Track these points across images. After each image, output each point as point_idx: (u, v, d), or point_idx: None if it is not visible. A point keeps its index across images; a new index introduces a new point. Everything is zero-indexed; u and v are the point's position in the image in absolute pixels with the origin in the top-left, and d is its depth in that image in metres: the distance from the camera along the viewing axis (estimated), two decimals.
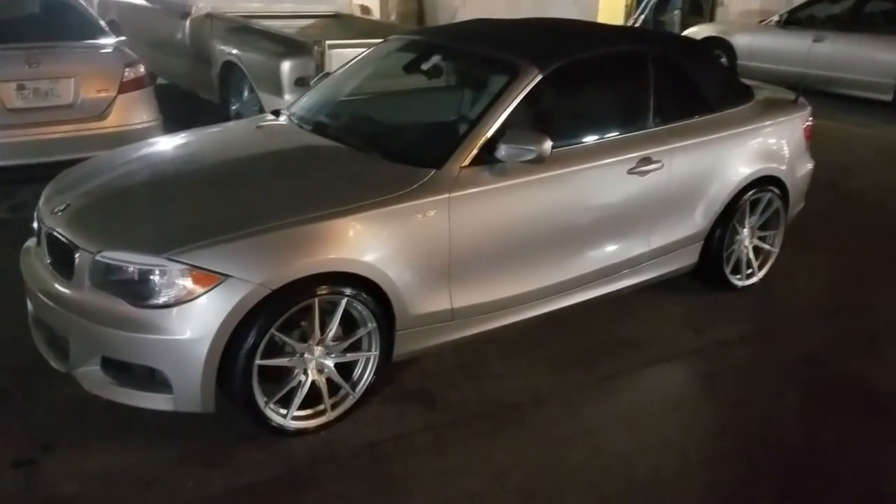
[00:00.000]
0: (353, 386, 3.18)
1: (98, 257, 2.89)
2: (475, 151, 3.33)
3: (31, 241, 3.42)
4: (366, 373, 3.20)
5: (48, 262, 3.16)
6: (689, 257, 4.25)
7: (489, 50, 3.94)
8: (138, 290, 2.84)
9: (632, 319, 4.09)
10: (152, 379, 2.89)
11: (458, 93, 4.28)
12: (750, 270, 4.51)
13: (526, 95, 3.50)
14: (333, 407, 3.13)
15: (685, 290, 4.38)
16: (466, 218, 3.28)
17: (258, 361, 2.89)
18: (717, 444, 3.21)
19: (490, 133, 3.35)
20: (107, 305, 2.87)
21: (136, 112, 5.63)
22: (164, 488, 2.79)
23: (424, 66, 4.17)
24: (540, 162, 3.31)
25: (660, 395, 3.54)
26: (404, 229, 3.16)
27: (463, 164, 3.30)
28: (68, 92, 5.34)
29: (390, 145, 3.55)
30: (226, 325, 2.79)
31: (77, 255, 2.96)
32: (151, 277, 2.83)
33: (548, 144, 3.27)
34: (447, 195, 3.22)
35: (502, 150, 3.30)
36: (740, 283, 4.47)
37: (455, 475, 2.90)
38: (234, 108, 7.16)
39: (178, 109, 7.01)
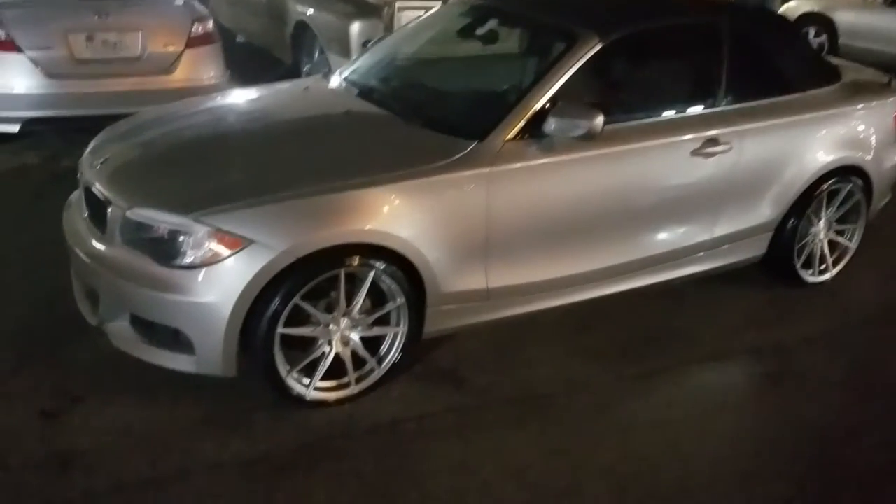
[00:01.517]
0: (379, 361, 3.09)
1: (129, 214, 2.87)
2: (522, 124, 3.14)
3: (76, 194, 3.44)
4: (392, 348, 3.10)
5: (85, 215, 3.17)
6: (757, 248, 3.96)
7: (548, 16, 3.72)
8: (166, 250, 2.81)
9: (685, 311, 3.85)
10: (176, 339, 2.86)
11: (512, 61, 4.08)
12: (823, 266, 4.18)
13: (582, 66, 3.28)
14: (358, 381, 3.05)
15: (749, 282, 4.09)
16: (507, 195, 3.12)
17: (280, 330, 2.83)
18: (761, 459, 2.95)
19: (540, 105, 3.16)
20: (135, 263, 2.86)
21: (202, 68, 5.63)
22: (180, 449, 2.78)
23: (480, 32, 3.99)
24: (590, 138, 3.10)
25: (704, 398, 3.30)
26: (440, 203, 3.02)
27: (507, 137, 3.13)
28: (136, 45, 5.38)
29: (433, 113, 3.40)
30: (249, 291, 2.73)
31: (109, 211, 2.95)
32: (179, 237, 2.79)
33: (599, 119, 3.05)
34: (488, 169, 3.06)
35: (551, 124, 3.11)
36: (811, 279, 4.15)
37: (473, 464, 2.78)
38: (305, 68, 7.11)
39: (251, 68, 7.03)
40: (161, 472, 2.67)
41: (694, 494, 2.73)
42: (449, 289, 3.10)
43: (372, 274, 2.93)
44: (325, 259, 2.84)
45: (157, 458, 2.73)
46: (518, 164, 3.12)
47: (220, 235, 2.75)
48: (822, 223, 4.08)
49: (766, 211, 3.86)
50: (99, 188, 3.06)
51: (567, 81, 3.22)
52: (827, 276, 4.19)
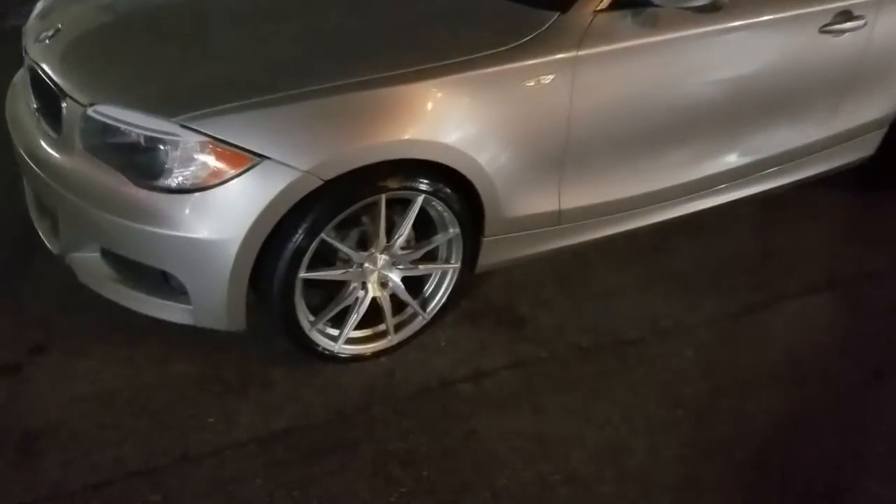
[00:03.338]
0: (424, 304, 2.44)
1: (90, 112, 2.10)
2: None
3: (21, 75, 2.62)
4: (441, 289, 2.44)
5: (34, 107, 2.38)
6: (866, 148, 3.25)
7: None
8: (143, 165, 2.06)
9: (784, 228, 3.18)
10: (165, 281, 2.19)
11: None
12: None
13: None
14: (397, 329, 2.41)
15: (856, 188, 3.42)
16: (596, 86, 2.35)
17: (303, 274, 2.16)
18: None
19: None
20: (102, 180, 2.11)
21: None
22: (175, 424, 2.16)
23: None
24: (715, 9, 2.31)
25: (816, 339, 2.69)
26: (508, 101, 2.26)
27: (598, 7, 2.32)
28: None
29: None
30: (261, 225, 2.02)
31: (64, 106, 2.17)
32: (160, 148, 2.04)
33: None
34: (574, 53, 2.28)
35: None
36: None
37: (554, 443, 2.18)
38: None
39: None
40: (151, 460, 2.06)
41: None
42: (513, 213, 2.40)
43: (421, 199, 2.22)
44: (363, 181, 2.12)
45: (146, 439, 2.11)
46: (612, 46, 2.33)
47: (219, 148, 2.01)
48: None
49: (888, 103, 3.13)
50: (48, 72, 2.26)
51: None
52: None
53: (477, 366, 2.41)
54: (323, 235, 2.11)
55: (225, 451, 2.08)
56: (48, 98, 2.27)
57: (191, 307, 2.16)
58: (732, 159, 2.81)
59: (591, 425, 2.24)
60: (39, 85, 2.32)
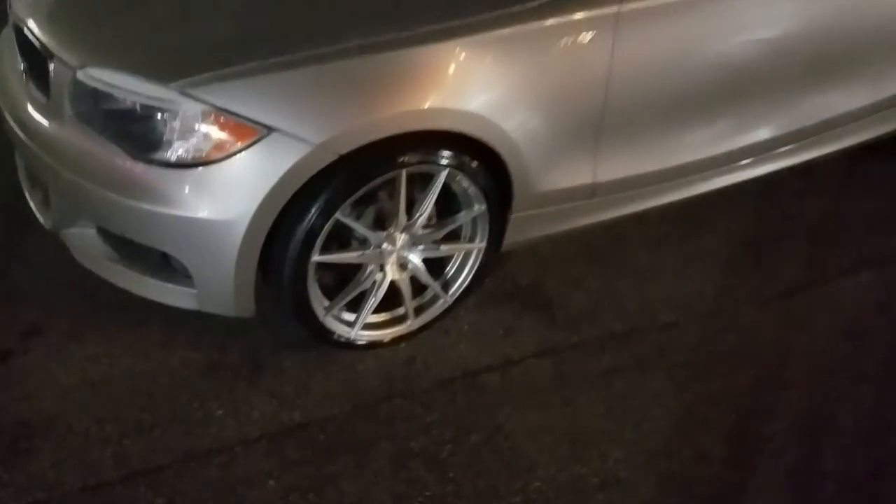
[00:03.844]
0: (446, 286, 2.25)
1: (80, 75, 1.89)
2: None
3: (6, 32, 2.39)
4: (464, 270, 2.25)
5: (21, 67, 2.17)
6: None
7: None
8: (139, 136, 1.86)
9: (823, 200, 2.95)
10: (167, 262, 2.00)
11: None
12: None
13: None
14: (417, 312, 2.23)
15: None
16: (640, 45, 2.12)
17: (316, 258, 1.97)
18: None
19: None
20: (94, 151, 1.91)
21: None
22: (179, 418, 1.99)
23: None
24: None
25: (870, 320, 2.48)
26: (541, 63, 2.03)
27: None
28: None
29: None
30: (270, 204, 1.82)
31: (52, 67, 1.96)
32: (158, 118, 1.83)
33: None
34: (615, 8, 2.05)
35: None
36: None
37: (589, 443, 2.01)
38: None
39: None
40: (153, 458, 1.89)
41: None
42: (545, 186, 2.19)
43: (444, 174, 2.02)
44: (382, 155, 1.92)
45: (148, 434, 1.94)
46: (657, 1, 2.11)
47: (223, 118, 1.80)
48: None
49: None
50: (34, 31, 2.05)
51: None
52: None
53: (503, 353, 2.23)
54: (338, 215, 1.92)
55: (234, 447, 1.92)
56: (35, 59, 2.06)
57: (195, 291, 1.98)
58: (779, 125, 2.57)
59: (628, 421, 2.06)
60: (26, 45, 2.10)
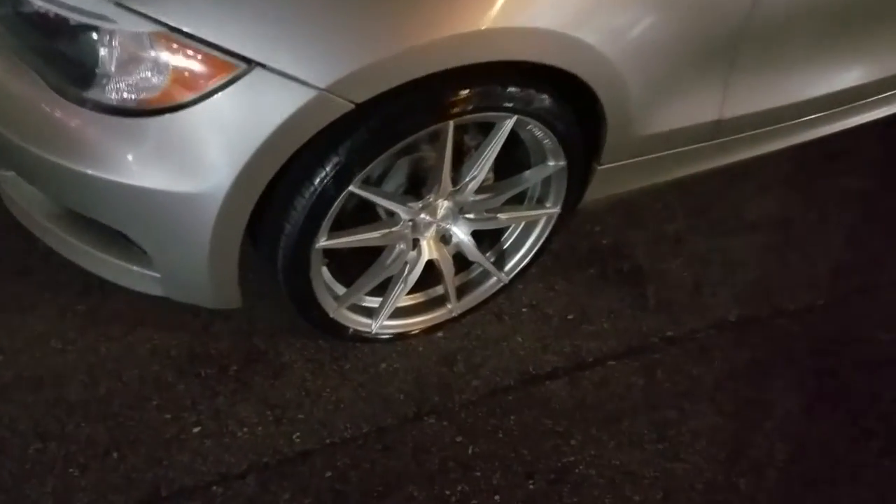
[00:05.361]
0: (500, 261, 1.68)
1: None
2: None
3: None
4: (527, 241, 1.68)
5: None
6: None
7: None
8: (68, 65, 1.26)
9: None
10: (123, 238, 1.46)
11: None
12: None
13: None
14: (460, 294, 1.67)
15: None
16: None
17: (322, 243, 1.40)
18: None
19: None
20: (14, 88, 1.32)
21: None
22: (145, 439, 1.50)
23: None
24: None
25: None
26: None
27: None
28: None
29: None
30: (254, 172, 1.24)
31: None
32: (91, 39, 1.23)
33: None
34: None
35: None
36: None
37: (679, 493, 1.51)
38: None
39: None
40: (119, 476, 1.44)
41: None
42: (653, 128, 1.57)
43: (511, 121, 1.40)
44: (422, 101, 1.30)
45: (101, 467, 1.47)
46: None
47: (181, 45, 1.19)
48: None
49: None
50: None
51: None
52: None
53: (573, 350, 1.69)
54: (352, 188, 1.33)
55: (211, 487, 1.45)
56: None
57: (158, 276, 1.45)
58: None
59: (744, 462, 1.54)
60: None
